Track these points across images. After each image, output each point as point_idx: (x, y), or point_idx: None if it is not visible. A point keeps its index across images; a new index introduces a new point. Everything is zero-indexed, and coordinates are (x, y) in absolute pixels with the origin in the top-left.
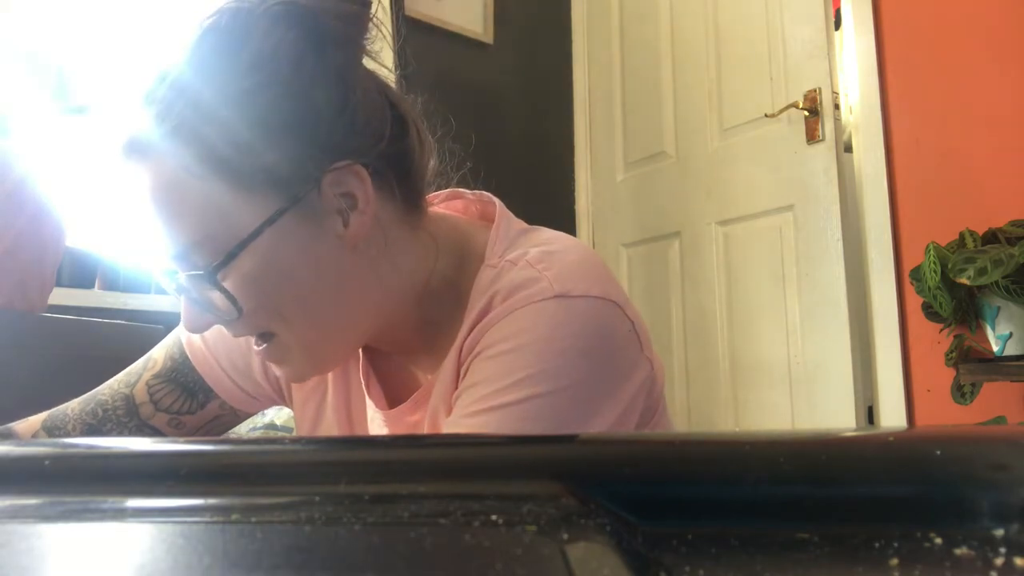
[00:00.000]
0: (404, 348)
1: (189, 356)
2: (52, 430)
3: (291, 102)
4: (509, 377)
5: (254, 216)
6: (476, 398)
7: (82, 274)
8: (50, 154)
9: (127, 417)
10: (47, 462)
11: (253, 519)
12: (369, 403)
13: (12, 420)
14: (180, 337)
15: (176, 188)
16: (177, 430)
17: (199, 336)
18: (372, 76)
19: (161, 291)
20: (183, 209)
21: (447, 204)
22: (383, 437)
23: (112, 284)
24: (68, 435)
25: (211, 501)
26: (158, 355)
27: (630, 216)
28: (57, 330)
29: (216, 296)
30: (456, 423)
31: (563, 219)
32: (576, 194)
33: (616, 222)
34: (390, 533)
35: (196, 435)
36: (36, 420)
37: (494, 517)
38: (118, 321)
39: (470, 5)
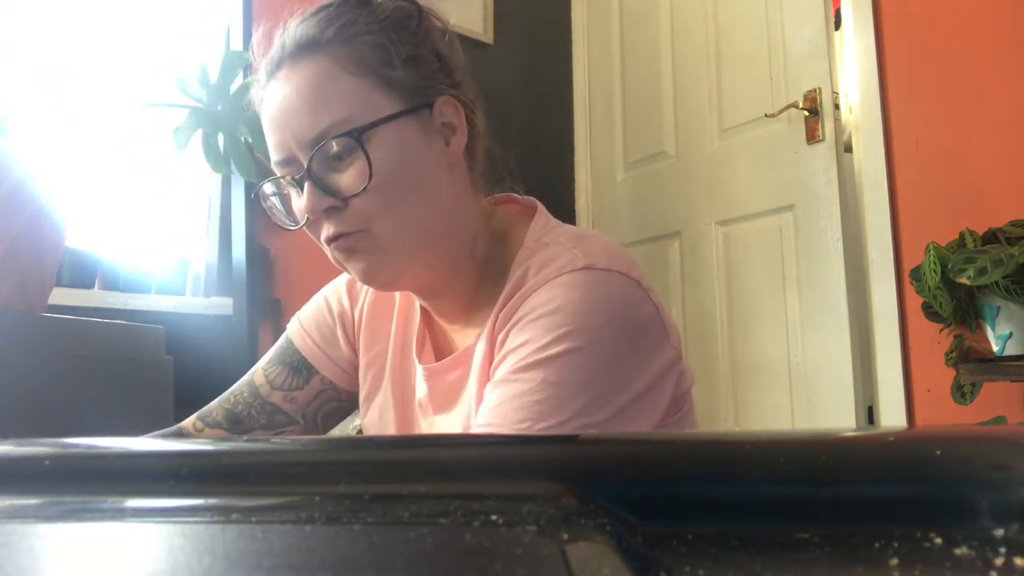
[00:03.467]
0: (450, 313)
1: (292, 339)
2: (204, 417)
3: (414, 46)
4: (549, 334)
5: (387, 109)
6: (522, 356)
7: (82, 274)
8: (50, 154)
9: (252, 398)
10: (47, 462)
11: (253, 519)
12: (416, 362)
13: (12, 420)
14: (288, 327)
15: (334, 77)
16: (292, 404)
17: (299, 322)
18: (462, 65)
19: (161, 291)
20: (337, 93)
21: (498, 204)
22: (383, 437)
23: (112, 284)
24: (214, 419)
25: (211, 501)
26: (274, 347)
27: (630, 216)
28: (57, 330)
29: (342, 175)
30: (506, 380)
31: (563, 219)
32: (576, 194)
33: (616, 222)
34: (390, 533)
35: (307, 409)
36: (193, 416)
37: (494, 517)
38: (118, 321)
39: (470, 5)
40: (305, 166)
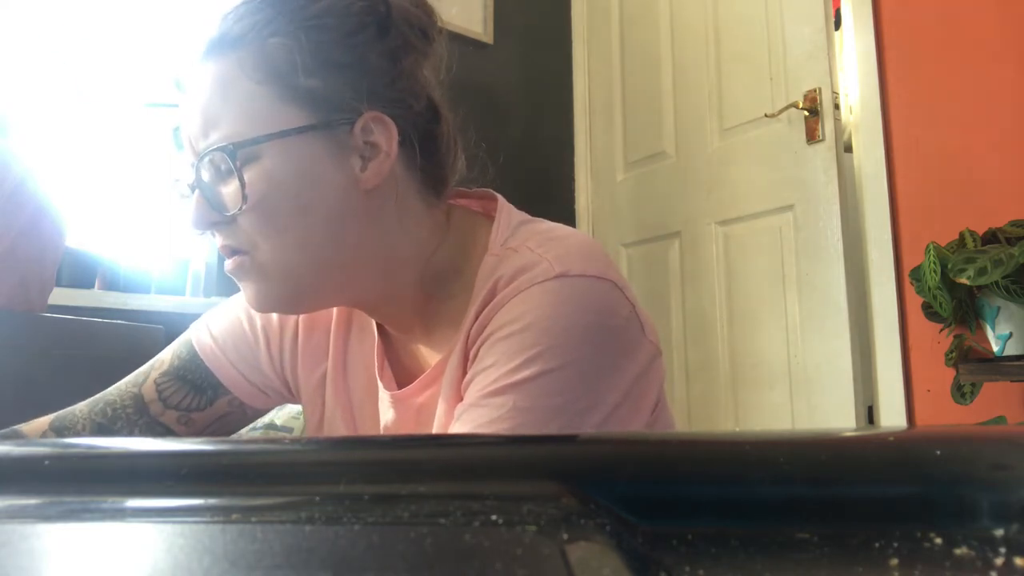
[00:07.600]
0: (405, 328)
1: (199, 352)
2: (61, 431)
3: (346, 50)
4: (520, 356)
5: (284, 123)
6: (491, 379)
7: (82, 274)
8: (50, 154)
9: (137, 415)
10: (47, 462)
11: (253, 519)
12: (380, 385)
13: (12, 420)
14: (190, 337)
15: (231, 83)
16: (186, 427)
17: (208, 334)
18: (423, 74)
19: (161, 291)
20: (231, 101)
21: (453, 202)
22: (383, 437)
23: (112, 284)
24: (78, 435)
25: (211, 501)
26: (165, 356)
27: (630, 216)
28: (57, 330)
29: (227, 190)
30: (475, 404)
31: (563, 219)
32: (576, 194)
33: (616, 222)
34: (390, 533)
35: (205, 433)
36: (43, 421)
37: (494, 517)
38: (118, 321)
39: (470, 5)
40: (195, 169)
